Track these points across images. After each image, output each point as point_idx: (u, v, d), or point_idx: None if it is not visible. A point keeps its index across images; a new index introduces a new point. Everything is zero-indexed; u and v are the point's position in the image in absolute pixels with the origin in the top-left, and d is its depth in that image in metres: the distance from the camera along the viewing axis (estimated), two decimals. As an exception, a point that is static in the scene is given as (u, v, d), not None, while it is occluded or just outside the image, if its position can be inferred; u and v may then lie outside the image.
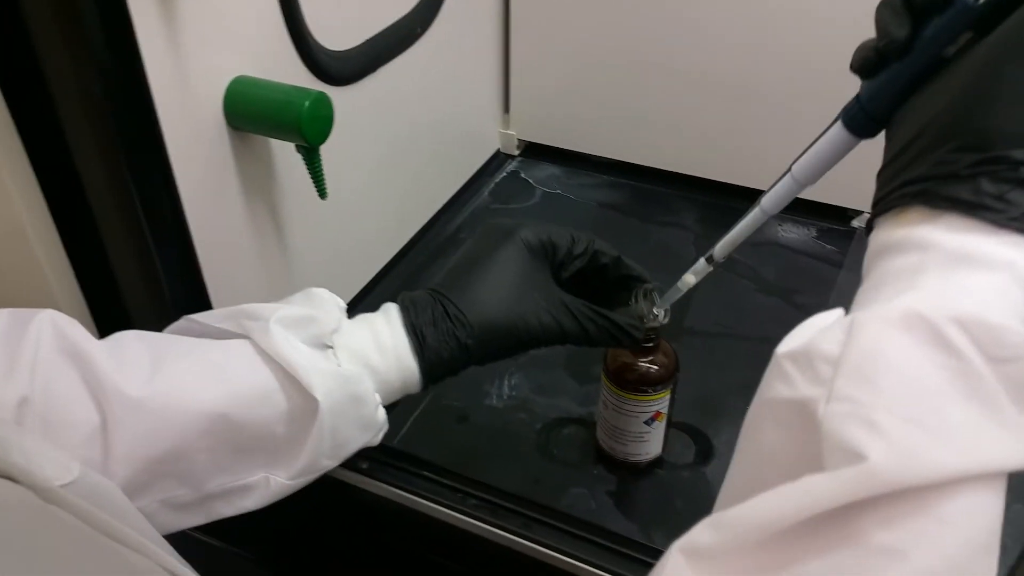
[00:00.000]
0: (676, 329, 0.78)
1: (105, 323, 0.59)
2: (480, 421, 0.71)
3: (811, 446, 0.28)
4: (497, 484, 0.57)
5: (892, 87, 0.35)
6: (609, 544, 0.54)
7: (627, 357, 0.61)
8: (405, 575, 0.65)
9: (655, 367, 0.61)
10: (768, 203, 0.44)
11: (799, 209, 0.94)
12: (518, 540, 0.52)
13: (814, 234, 0.94)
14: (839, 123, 0.38)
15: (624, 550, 0.55)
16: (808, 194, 1.03)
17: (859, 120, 0.37)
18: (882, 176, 0.33)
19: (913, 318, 0.28)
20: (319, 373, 0.47)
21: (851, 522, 0.26)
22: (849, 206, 0.93)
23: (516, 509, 0.54)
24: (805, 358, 0.30)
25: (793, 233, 0.94)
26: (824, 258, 0.90)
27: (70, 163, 0.52)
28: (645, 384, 0.60)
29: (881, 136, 0.36)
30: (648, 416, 0.62)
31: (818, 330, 0.30)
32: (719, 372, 0.74)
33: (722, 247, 0.49)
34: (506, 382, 0.74)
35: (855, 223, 0.94)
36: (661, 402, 0.62)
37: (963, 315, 0.27)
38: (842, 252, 0.91)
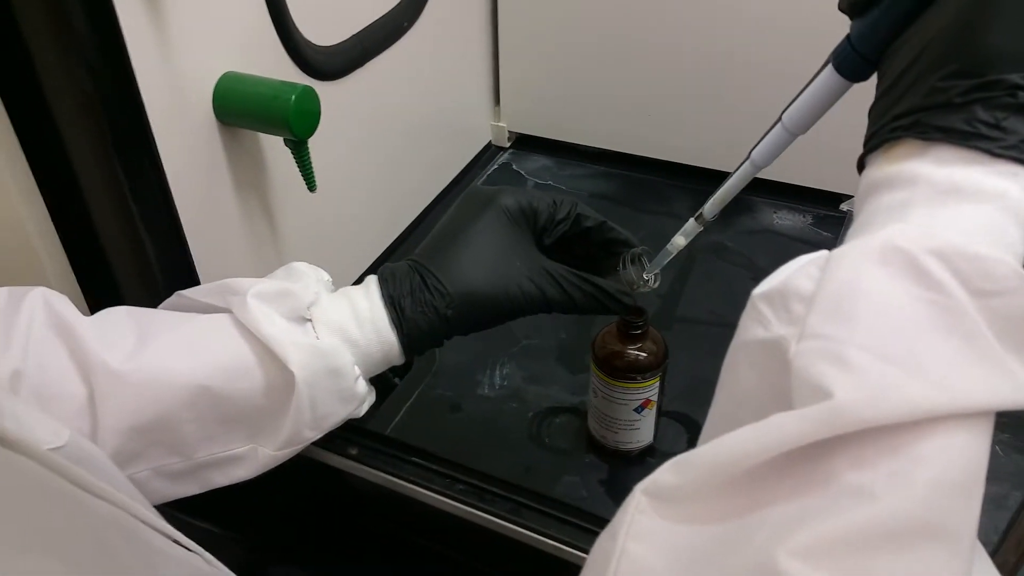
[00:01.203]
0: (668, 317, 0.79)
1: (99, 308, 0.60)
2: (472, 410, 0.71)
3: (783, 387, 0.27)
4: (489, 472, 0.58)
5: (883, 24, 0.33)
6: (598, 529, 0.55)
7: (616, 344, 0.61)
8: (394, 560, 0.66)
9: (644, 354, 0.61)
10: (759, 155, 0.43)
11: (794, 196, 0.95)
12: (506, 525, 0.53)
13: (810, 221, 0.94)
14: (830, 67, 0.37)
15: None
16: (804, 180, 1.03)
17: (850, 61, 0.35)
18: (873, 112, 0.32)
19: (890, 251, 0.27)
20: (295, 346, 0.47)
21: (821, 463, 0.25)
22: (847, 192, 0.93)
23: (504, 494, 0.55)
24: (780, 297, 0.29)
25: (788, 220, 0.94)
26: (820, 245, 0.89)
27: (66, 158, 0.53)
28: (634, 372, 0.61)
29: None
30: (638, 404, 0.63)
31: (795, 268, 0.29)
32: (712, 360, 0.73)
33: (712, 205, 0.48)
34: (498, 372, 0.75)
35: (844, 206, 0.94)
36: (651, 390, 0.62)
37: (944, 246, 0.26)
38: (838, 239, 0.91)
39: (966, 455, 0.25)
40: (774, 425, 0.26)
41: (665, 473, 0.28)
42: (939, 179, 0.28)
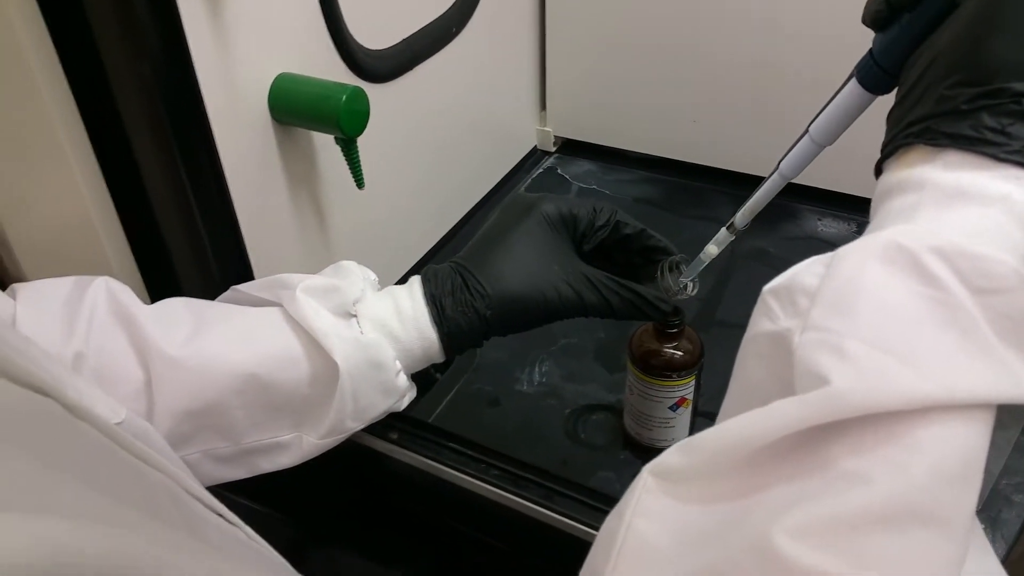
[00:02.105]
0: (707, 320, 0.79)
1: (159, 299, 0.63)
2: (511, 405, 0.73)
3: (788, 377, 0.28)
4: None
5: (904, 38, 0.34)
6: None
7: (652, 343, 0.62)
8: (432, 543, 0.67)
9: (680, 353, 0.62)
10: (787, 167, 0.44)
11: (840, 203, 0.94)
12: (540, 510, 0.54)
13: (854, 229, 0.93)
14: (853, 80, 0.38)
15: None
16: (849, 188, 1.01)
17: (872, 75, 0.36)
18: (889, 119, 0.33)
19: (893, 248, 0.28)
20: (340, 339, 0.49)
21: (820, 449, 0.26)
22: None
23: (538, 481, 0.56)
24: (787, 292, 0.30)
25: (832, 228, 0.94)
26: (861, 253, 0.89)
27: (130, 155, 0.56)
28: (670, 369, 0.61)
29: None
30: (673, 402, 0.63)
31: (804, 265, 0.31)
32: (749, 362, 0.74)
33: (743, 215, 0.49)
34: (537, 369, 0.76)
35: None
36: (686, 388, 0.63)
37: (946, 245, 0.27)
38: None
39: (963, 445, 0.25)
40: (776, 410, 0.27)
41: (672, 455, 0.30)
42: (946, 183, 0.29)
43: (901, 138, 0.31)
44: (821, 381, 0.26)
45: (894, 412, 0.25)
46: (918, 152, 0.31)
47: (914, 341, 0.26)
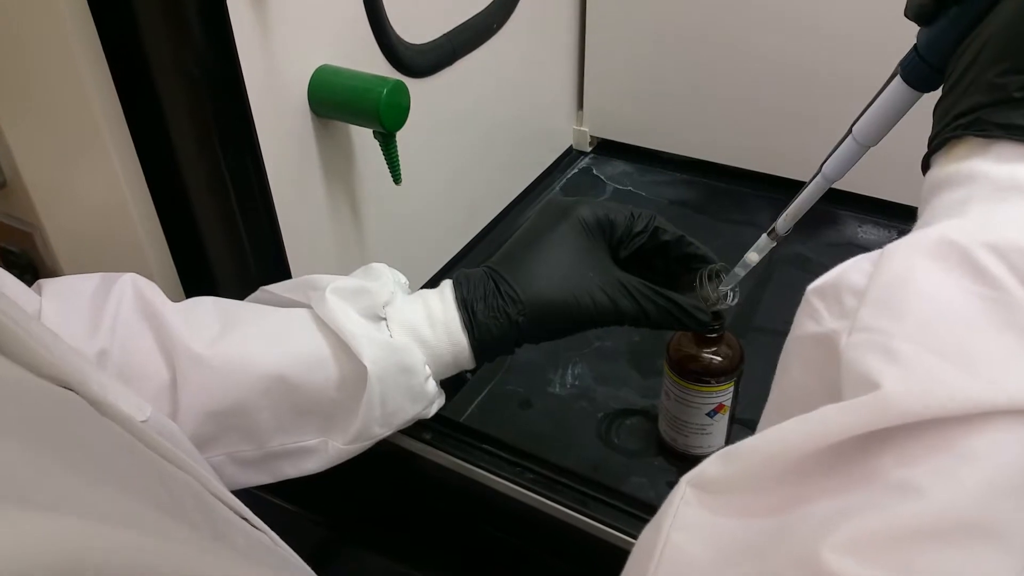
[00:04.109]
0: (744, 326, 0.78)
1: (195, 293, 0.63)
2: (542, 407, 0.72)
3: (834, 382, 0.26)
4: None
5: (951, 31, 0.32)
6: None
7: (691, 347, 0.61)
8: (457, 545, 0.66)
9: (719, 358, 0.60)
10: (830, 169, 0.42)
11: (881, 210, 0.92)
12: (574, 515, 0.53)
13: (895, 236, 0.89)
14: (898, 78, 0.36)
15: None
16: (891, 195, 1.00)
17: (918, 71, 0.35)
18: (936, 112, 0.32)
19: (944, 245, 0.26)
20: (368, 341, 0.48)
21: (867, 458, 0.25)
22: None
23: (572, 485, 0.55)
24: (832, 291, 0.28)
25: (873, 235, 0.92)
26: (903, 261, 0.88)
27: (169, 144, 0.56)
28: (708, 375, 0.60)
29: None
30: (711, 408, 0.62)
31: (850, 264, 0.29)
32: (787, 371, 0.73)
33: (784, 220, 0.48)
34: (570, 371, 0.75)
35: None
36: (724, 394, 0.61)
37: (1000, 241, 0.25)
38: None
39: (1020, 454, 0.24)
40: (819, 417, 0.25)
41: (712, 464, 0.28)
42: (999, 176, 0.27)
43: (949, 131, 0.29)
44: (871, 385, 0.25)
45: (947, 418, 0.24)
46: (968, 145, 0.29)
47: (968, 343, 0.24)
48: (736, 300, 0.54)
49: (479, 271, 0.53)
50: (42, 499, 0.20)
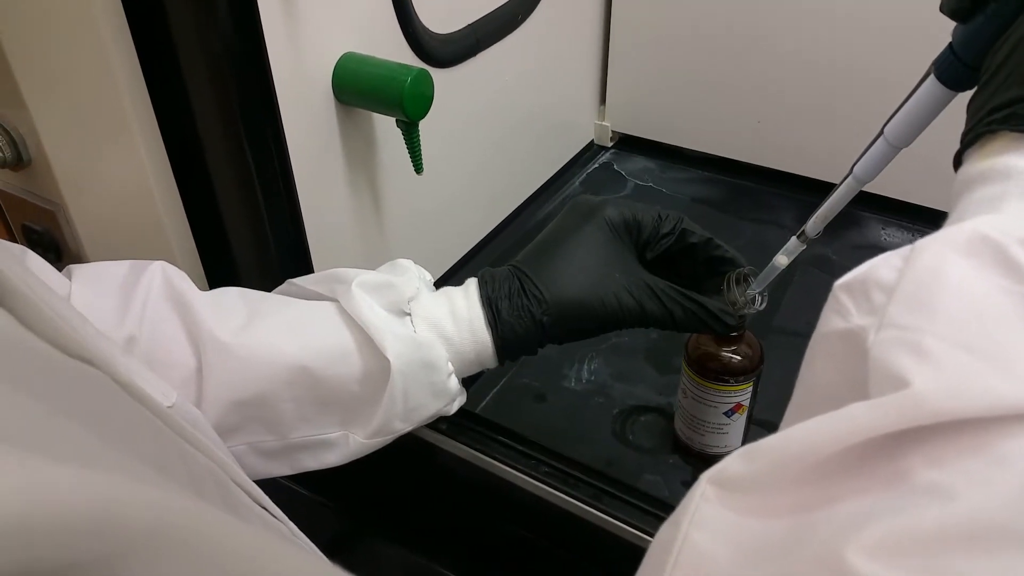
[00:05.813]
0: (765, 327, 0.77)
1: (216, 280, 0.63)
2: (557, 402, 0.71)
3: (861, 379, 0.26)
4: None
5: (988, 28, 0.32)
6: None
7: (710, 346, 0.60)
8: (471, 536, 0.66)
9: (738, 357, 0.60)
10: (861, 170, 0.42)
11: (905, 213, 0.91)
12: (588, 510, 0.53)
13: (918, 240, 0.90)
14: (931, 77, 0.36)
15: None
16: (916, 197, 0.98)
17: (953, 70, 0.34)
18: (970, 107, 0.31)
19: (977, 240, 0.25)
20: (392, 335, 0.48)
21: (895, 459, 0.24)
22: (958, 211, 0.89)
23: (587, 480, 0.55)
24: (861, 287, 0.28)
25: (896, 238, 0.91)
26: (927, 265, 0.86)
27: (194, 129, 0.56)
28: (727, 374, 0.60)
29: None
30: (728, 408, 0.61)
31: (879, 259, 0.28)
32: (806, 372, 0.72)
33: (814, 222, 0.47)
34: (585, 366, 0.75)
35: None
36: (743, 394, 0.61)
37: None
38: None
39: None
40: (846, 415, 0.24)
41: (733, 462, 0.27)
42: None
43: (983, 125, 0.29)
44: (899, 383, 0.24)
45: (979, 419, 0.23)
46: (1003, 140, 0.28)
47: (1002, 341, 0.24)
48: (764, 305, 0.54)
49: (504, 269, 0.53)
50: (69, 455, 0.20)
